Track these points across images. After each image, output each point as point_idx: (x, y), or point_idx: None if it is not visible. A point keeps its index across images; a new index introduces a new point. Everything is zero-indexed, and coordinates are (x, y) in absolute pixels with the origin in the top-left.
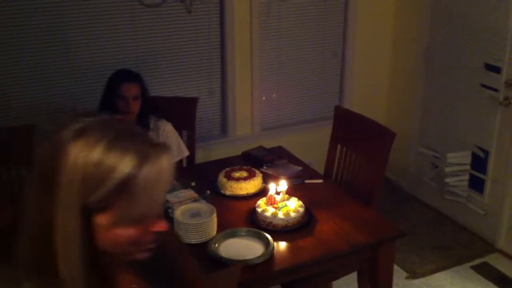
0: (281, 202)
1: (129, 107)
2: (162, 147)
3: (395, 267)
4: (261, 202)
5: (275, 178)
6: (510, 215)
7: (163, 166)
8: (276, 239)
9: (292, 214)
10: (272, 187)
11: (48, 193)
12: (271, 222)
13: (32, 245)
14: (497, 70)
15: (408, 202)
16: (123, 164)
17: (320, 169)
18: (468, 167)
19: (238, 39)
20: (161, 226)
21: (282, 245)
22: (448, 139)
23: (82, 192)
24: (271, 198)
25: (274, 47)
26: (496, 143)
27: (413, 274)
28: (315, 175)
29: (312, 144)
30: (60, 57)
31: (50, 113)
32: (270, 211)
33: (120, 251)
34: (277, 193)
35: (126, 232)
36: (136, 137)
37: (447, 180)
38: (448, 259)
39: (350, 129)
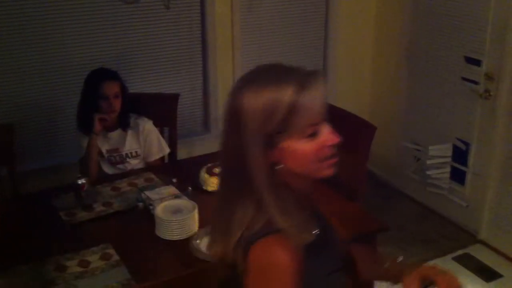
0: None
1: (111, 105)
2: (315, 73)
3: None
4: None
5: None
6: (491, 206)
7: (319, 88)
8: None
9: None
10: None
11: (237, 134)
12: None
13: (236, 174)
14: (477, 63)
15: (393, 197)
16: (286, 95)
17: None
18: (449, 159)
19: (219, 34)
20: (334, 139)
21: None
22: (429, 132)
23: (261, 125)
24: None
25: (256, 42)
26: (477, 135)
27: None
28: None
29: None
30: (39, 54)
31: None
32: None
33: (308, 169)
34: None
35: (305, 150)
36: (291, 70)
37: (429, 172)
38: (431, 251)
39: (330, 123)
